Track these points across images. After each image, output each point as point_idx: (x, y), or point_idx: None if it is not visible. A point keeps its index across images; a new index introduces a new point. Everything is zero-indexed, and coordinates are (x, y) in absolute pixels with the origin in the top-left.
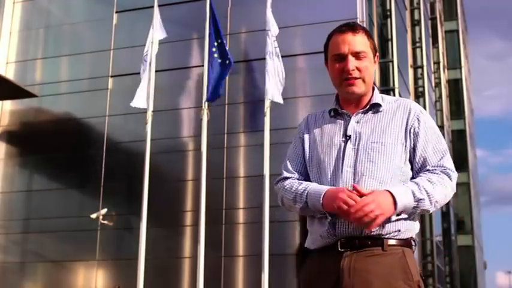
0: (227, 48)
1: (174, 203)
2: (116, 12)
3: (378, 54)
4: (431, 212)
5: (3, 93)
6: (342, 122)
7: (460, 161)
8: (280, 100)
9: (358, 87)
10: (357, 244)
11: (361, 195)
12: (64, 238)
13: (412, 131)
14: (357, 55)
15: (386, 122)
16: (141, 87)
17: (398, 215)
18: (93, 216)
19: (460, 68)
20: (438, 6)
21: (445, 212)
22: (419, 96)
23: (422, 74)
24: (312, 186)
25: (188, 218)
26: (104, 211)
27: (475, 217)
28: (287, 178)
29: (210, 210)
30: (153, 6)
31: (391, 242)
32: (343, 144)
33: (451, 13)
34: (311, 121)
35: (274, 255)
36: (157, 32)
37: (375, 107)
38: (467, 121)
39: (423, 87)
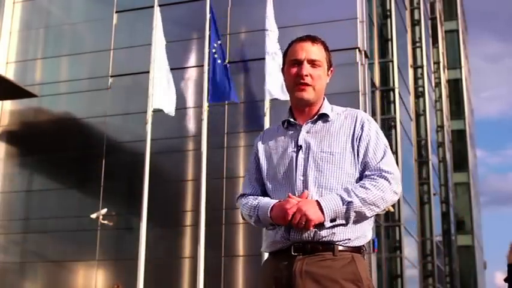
0: (225, 49)
1: (174, 203)
2: (116, 12)
3: (332, 69)
4: (372, 215)
5: (3, 93)
6: (293, 132)
7: (460, 161)
8: (285, 97)
9: (308, 94)
10: (309, 249)
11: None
12: (64, 238)
13: (357, 138)
14: (313, 63)
15: (334, 131)
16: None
17: (333, 220)
18: (93, 216)
19: (460, 68)
20: (438, 6)
21: (445, 212)
22: (419, 96)
23: (422, 74)
24: (263, 200)
25: (188, 218)
26: (104, 211)
27: (475, 217)
28: (244, 195)
29: (210, 210)
30: (153, 6)
31: (342, 248)
32: (295, 154)
33: (451, 13)
34: (266, 136)
35: None
36: (159, 33)
37: (323, 117)
38: (467, 121)
39: (423, 87)
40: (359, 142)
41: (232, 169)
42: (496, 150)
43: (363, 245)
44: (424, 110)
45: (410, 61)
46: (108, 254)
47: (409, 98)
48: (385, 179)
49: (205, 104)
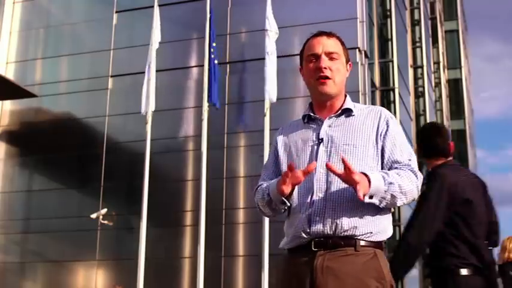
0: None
1: (174, 203)
2: (116, 12)
3: (350, 63)
4: (399, 204)
5: (3, 93)
6: (315, 126)
7: (460, 161)
8: (273, 99)
9: (330, 88)
10: (330, 244)
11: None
12: (64, 238)
13: (381, 134)
14: (330, 55)
15: (357, 125)
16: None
17: (371, 197)
18: (93, 216)
19: (460, 68)
20: (438, 6)
21: None
22: (419, 96)
23: (422, 74)
24: (273, 180)
25: (188, 218)
26: (104, 211)
27: None
28: (259, 186)
29: (210, 210)
30: (153, 6)
31: (363, 243)
32: (315, 147)
33: (451, 13)
34: (286, 130)
35: (274, 255)
36: (157, 32)
37: (347, 112)
38: (467, 121)
39: (423, 87)
40: (384, 138)
41: (232, 169)
42: (496, 150)
43: (384, 241)
44: (424, 110)
45: (410, 61)
46: (108, 254)
47: (409, 98)
48: (414, 174)
49: (205, 104)
